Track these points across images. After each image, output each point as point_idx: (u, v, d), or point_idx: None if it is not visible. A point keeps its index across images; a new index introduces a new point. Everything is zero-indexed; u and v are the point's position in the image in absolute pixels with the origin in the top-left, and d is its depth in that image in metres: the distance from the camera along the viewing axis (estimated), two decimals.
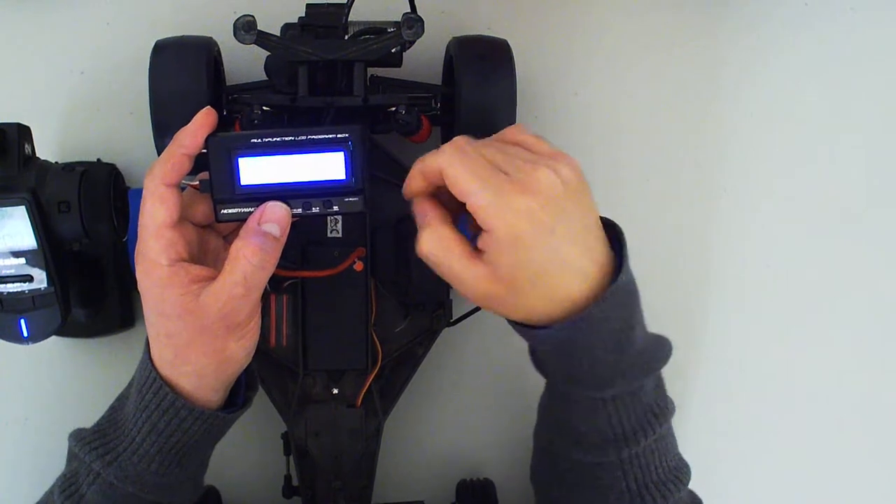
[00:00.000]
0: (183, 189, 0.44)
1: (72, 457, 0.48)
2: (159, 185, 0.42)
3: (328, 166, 0.43)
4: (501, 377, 0.64)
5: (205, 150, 0.43)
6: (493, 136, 0.45)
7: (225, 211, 0.43)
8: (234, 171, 0.43)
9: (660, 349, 0.46)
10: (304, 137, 0.42)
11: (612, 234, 0.45)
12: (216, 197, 0.43)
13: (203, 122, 0.42)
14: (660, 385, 0.47)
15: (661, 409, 0.46)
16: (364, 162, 0.43)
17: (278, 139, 0.42)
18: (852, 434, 0.66)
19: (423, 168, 0.43)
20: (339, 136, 0.43)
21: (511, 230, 0.40)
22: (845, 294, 0.65)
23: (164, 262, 0.42)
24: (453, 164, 0.41)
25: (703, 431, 0.65)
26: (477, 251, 0.42)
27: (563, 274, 0.41)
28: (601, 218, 0.45)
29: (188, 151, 0.42)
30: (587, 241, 0.42)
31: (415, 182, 0.44)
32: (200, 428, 0.45)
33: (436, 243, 0.43)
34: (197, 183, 0.44)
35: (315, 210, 0.44)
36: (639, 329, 0.45)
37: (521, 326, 0.45)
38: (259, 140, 0.42)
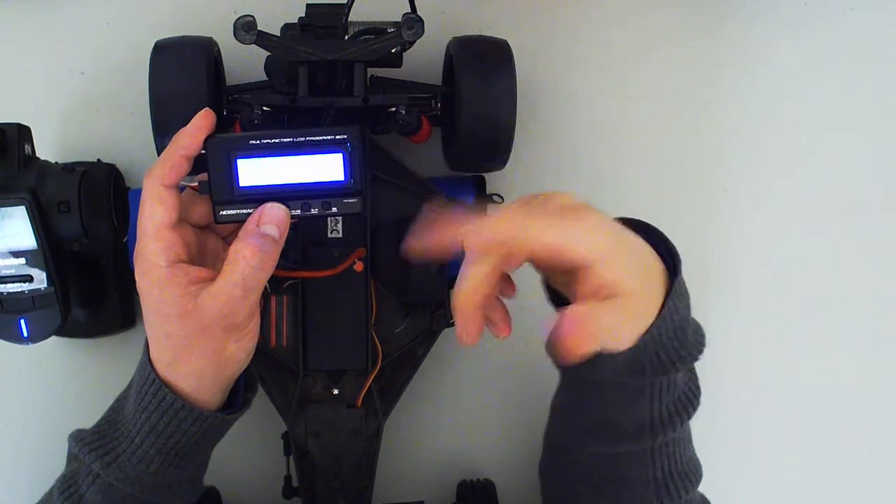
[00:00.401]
0: (182, 190, 0.44)
1: (71, 458, 0.48)
2: (158, 186, 0.42)
3: (327, 167, 0.43)
4: (501, 377, 0.64)
5: (203, 152, 0.43)
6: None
7: (224, 212, 0.43)
8: (232, 173, 0.43)
9: (701, 331, 0.45)
10: (302, 139, 0.42)
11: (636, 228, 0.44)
12: (215, 198, 0.43)
13: (201, 123, 0.42)
14: (692, 368, 0.47)
15: (693, 393, 0.46)
16: (363, 163, 0.43)
17: (277, 140, 0.42)
18: (852, 434, 0.66)
19: (483, 255, 0.40)
20: (337, 137, 0.43)
21: (591, 244, 0.39)
22: (845, 294, 0.65)
23: (163, 264, 0.42)
24: (512, 219, 0.40)
25: (702, 431, 0.64)
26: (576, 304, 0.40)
27: (644, 251, 0.41)
28: (626, 219, 0.44)
29: (187, 153, 0.42)
30: (620, 227, 0.42)
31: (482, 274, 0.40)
32: (199, 429, 0.45)
33: (576, 332, 0.39)
34: (196, 184, 0.44)
35: (314, 211, 0.44)
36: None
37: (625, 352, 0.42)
38: (257, 141, 0.42)
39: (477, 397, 0.64)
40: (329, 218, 0.53)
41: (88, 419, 0.49)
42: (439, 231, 0.42)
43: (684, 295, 0.43)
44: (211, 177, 0.43)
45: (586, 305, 0.39)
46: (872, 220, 0.65)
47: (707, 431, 0.64)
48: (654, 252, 0.42)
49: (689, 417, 0.46)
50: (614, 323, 0.40)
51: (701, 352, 0.44)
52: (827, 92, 0.65)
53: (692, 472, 0.47)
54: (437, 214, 0.42)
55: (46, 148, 0.57)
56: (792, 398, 0.65)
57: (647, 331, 0.40)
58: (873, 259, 0.65)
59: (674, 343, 0.42)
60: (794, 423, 0.65)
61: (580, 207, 0.41)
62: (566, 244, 0.39)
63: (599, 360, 0.41)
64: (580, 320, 0.39)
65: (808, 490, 0.66)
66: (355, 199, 0.44)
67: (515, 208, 0.41)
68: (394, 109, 0.51)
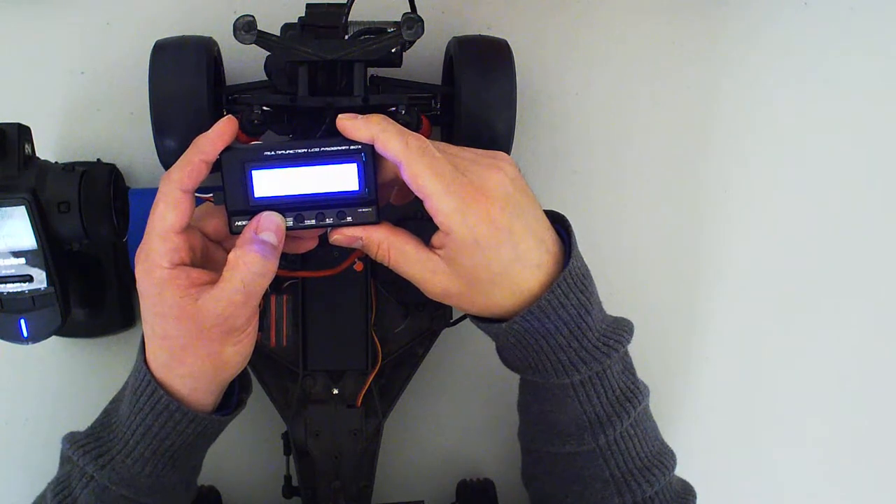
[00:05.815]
0: (198, 203, 0.44)
1: (65, 460, 0.48)
2: (175, 190, 0.42)
3: (341, 178, 0.43)
4: (502, 377, 0.63)
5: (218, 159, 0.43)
6: None
7: (239, 223, 0.43)
8: (247, 184, 0.43)
9: (619, 330, 0.47)
10: (316, 149, 0.43)
11: (558, 223, 0.46)
12: (230, 209, 0.43)
13: (224, 129, 0.42)
14: (628, 368, 0.48)
15: (632, 392, 0.47)
16: (377, 172, 0.43)
17: (291, 151, 0.43)
18: (852, 434, 0.66)
19: (382, 150, 0.42)
20: (351, 147, 0.43)
21: (472, 234, 0.41)
22: (846, 294, 0.65)
23: (166, 265, 0.42)
24: (419, 162, 0.41)
25: (703, 431, 0.65)
26: (430, 246, 0.44)
27: (522, 269, 0.43)
28: (548, 211, 0.46)
29: (207, 158, 0.42)
30: (539, 233, 0.44)
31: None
32: (194, 431, 0.45)
33: (390, 247, 0.44)
34: (211, 195, 0.44)
35: (329, 221, 0.44)
36: (596, 312, 0.46)
37: (483, 322, 0.46)
38: (272, 153, 0.43)
39: (477, 397, 0.64)
40: None
41: (88, 419, 0.49)
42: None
43: (575, 291, 0.44)
44: (226, 188, 0.43)
45: (401, 232, 0.44)
46: (872, 220, 0.65)
47: (707, 431, 0.65)
48: (552, 247, 0.44)
49: (630, 417, 0.47)
50: (418, 276, 0.44)
51: (612, 351, 0.46)
52: (827, 92, 0.65)
53: (656, 465, 0.48)
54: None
55: (46, 148, 0.57)
56: (792, 398, 0.65)
57: (506, 319, 0.43)
58: (874, 259, 0.65)
59: (572, 341, 0.44)
60: (793, 423, 0.65)
61: (496, 189, 0.42)
62: (443, 212, 0.41)
63: (493, 336, 0.46)
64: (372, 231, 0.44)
65: (808, 490, 0.66)
66: (370, 208, 0.44)
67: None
68: (394, 109, 0.51)
